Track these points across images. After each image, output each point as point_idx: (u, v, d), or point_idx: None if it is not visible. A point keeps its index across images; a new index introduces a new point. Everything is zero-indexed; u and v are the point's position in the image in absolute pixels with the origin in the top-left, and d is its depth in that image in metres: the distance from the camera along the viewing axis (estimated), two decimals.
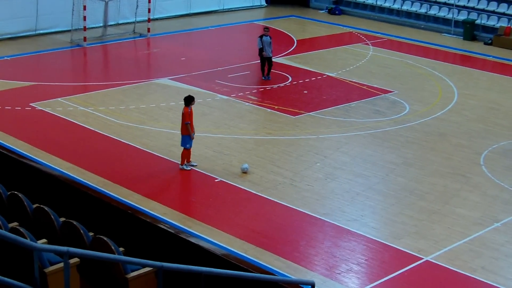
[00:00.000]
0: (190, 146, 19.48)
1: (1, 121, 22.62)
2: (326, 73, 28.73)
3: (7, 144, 20.16)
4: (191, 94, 19.95)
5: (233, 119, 23.30)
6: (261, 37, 27.11)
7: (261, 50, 27.06)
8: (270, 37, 27.20)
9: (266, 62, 27.32)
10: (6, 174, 13.18)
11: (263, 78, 27.40)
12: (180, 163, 19.58)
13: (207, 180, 19.16)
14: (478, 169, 20.17)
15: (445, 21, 36.77)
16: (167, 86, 26.61)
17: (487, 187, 19.11)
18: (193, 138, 19.46)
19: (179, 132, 19.53)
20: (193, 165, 19.66)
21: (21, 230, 9.36)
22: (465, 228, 16.90)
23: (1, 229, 9.39)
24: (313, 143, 21.70)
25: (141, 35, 33.96)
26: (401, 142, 21.91)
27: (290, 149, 21.13)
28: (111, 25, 34.29)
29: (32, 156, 19.43)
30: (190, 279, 9.50)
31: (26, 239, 8.83)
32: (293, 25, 37.67)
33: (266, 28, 27.66)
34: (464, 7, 36.49)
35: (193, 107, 19.56)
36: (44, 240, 10.19)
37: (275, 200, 18.00)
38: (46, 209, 10.65)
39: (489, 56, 32.52)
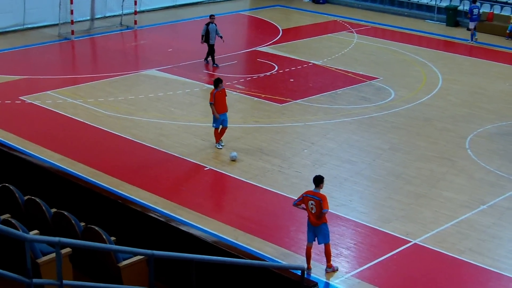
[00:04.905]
0: (217, 126, 20.18)
1: None
2: (312, 61, 28.84)
3: None
4: (220, 77, 20.76)
5: None
6: (207, 24, 27.44)
7: (204, 37, 27.40)
8: (216, 25, 27.49)
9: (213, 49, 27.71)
10: None
11: (214, 65, 27.74)
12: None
13: (197, 168, 19.31)
14: (463, 153, 20.38)
15: (428, 8, 36.90)
16: (155, 77, 26.68)
17: (473, 170, 19.31)
18: (218, 118, 20.04)
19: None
20: (218, 147, 20.30)
21: (13, 221, 9.45)
22: (452, 211, 17.11)
23: None
24: (300, 130, 21.85)
25: (128, 28, 33.95)
26: (387, 127, 22.08)
27: (277, 137, 21.28)
28: (98, 18, 34.29)
29: (23, 149, 19.50)
30: (181, 266, 9.61)
31: (18, 230, 8.91)
32: (278, 14, 37.72)
33: (212, 16, 27.92)
34: None
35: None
36: (36, 231, 10.29)
37: (264, 187, 18.16)
38: (37, 200, 10.74)
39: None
